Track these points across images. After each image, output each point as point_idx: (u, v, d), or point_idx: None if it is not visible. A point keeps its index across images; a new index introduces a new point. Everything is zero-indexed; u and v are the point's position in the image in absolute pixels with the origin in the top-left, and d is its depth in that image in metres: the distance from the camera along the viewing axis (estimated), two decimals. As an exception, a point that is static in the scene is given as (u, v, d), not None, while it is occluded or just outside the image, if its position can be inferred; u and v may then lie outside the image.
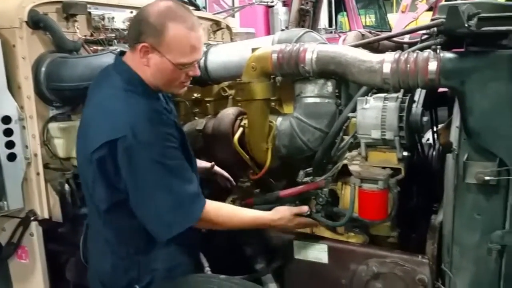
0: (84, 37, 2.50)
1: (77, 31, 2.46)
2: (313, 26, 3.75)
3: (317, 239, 2.08)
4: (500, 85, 1.51)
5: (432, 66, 1.59)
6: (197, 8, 3.42)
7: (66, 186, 2.23)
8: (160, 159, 1.56)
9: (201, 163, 2.23)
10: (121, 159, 1.54)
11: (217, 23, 3.41)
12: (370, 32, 2.55)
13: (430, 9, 6.49)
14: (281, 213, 1.90)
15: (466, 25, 1.45)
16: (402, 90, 1.82)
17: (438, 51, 1.60)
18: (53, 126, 2.30)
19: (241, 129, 2.18)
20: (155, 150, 1.56)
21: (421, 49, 1.74)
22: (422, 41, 1.96)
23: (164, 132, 1.60)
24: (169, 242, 1.69)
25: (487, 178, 1.59)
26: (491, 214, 1.66)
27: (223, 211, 1.78)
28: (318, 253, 2.06)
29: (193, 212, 1.63)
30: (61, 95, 2.27)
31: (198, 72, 1.74)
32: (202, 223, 1.69)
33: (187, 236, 1.69)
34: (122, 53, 1.77)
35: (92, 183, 1.64)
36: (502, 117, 1.54)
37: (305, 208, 1.98)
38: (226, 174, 2.34)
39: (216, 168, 2.31)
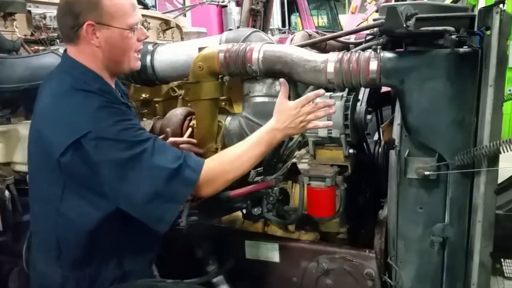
0: (24, 37, 2.41)
1: (16, 30, 2.38)
2: (265, 26, 3.77)
3: (269, 238, 2.10)
4: (437, 83, 1.57)
5: (373, 65, 1.63)
6: (146, 7, 3.38)
7: (6, 193, 2.13)
8: (135, 139, 1.47)
9: None
10: (95, 155, 1.43)
11: (166, 22, 3.38)
12: (317, 32, 2.59)
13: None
14: (284, 114, 1.65)
15: (404, 25, 1.50)
16: (346, 89, 1.86)
17: (378, 51, 1.64)
18: (-9, 130, 2.20)
19: (189, 129, 2.16)
20: (127, 134, 1.47)
21: (364, 49, 1.78)
22: (366, 41, 2.00)
23: (128, 120, 1.52)
24: (120, 250, 1.62)
25: (427, 173, 1.65)
26: (432, 207, 1.72)
27: (220, 161, 1.61)
28: (270, 252, 2.07)
29: (189, 178, 1.52)
30: (-1, 97, 2.18)
31: (146, 33, 1.66)
32: (210, 185, 1.57)
33: (140, 242, 1.64)
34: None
35: (59, 192, 1.51)
36: (439, 114, 1.59)
37: (321, 92, 1.66)
38: (183, 139, 2.09)
39: (171, 139, 2.06)
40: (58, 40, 2.46)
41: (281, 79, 1.69)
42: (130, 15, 1.56)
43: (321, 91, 1.67)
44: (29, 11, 2.50)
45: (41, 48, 2.41)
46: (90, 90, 1.52)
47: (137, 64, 1.66)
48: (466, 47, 1.60)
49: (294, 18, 11.18)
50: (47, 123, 1.52)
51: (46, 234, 1.63)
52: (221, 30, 9.04)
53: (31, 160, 1.63)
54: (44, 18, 2.52)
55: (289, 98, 2.08)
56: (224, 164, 1.62)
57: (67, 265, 1.60)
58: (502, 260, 2.51)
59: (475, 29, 1.59)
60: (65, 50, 1.63)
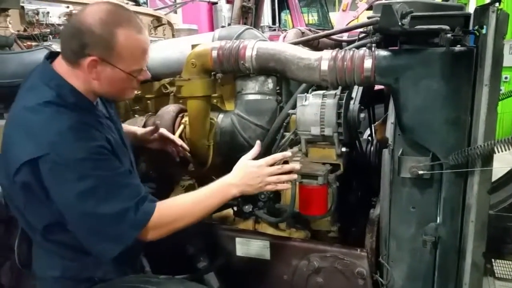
0: (17, 32, 2.40)
1: (9, 26, 2.36)
2: (256, 23, 3.76)
3: (259, 235, 2.09)
4: (432, 82, 1.56)
5: (368, 63, 1.62)
6: (137, 3, 3.35)
7: (-1, 187, 2.11)
8: (90, 173, 1.39)
9: (141, 129, 2.07)
10: (47, 180, 1.38)
11: (158, 19, 3.36)
12: (309, 30, 2.58)
13: (370, 8, 6.65)
14: (244, 170, 1.59)
15: (399, 23, 1.49)
16: (340, 87, 1.85)
17: (373, 49, 1.63)
18: (-16, 125, 2.17)
19: (182, 126, 2.15)
20: (84, 165, 1.39)
21: (358, 47, 1.77)
22: (359, 39, 2.00)
23: (94, 146, 1.42)
24: None
25: (420, 172, 1.64)
26: (425, 207, 1.72)
27: (178, 209, 1.55)
28: (261, 250, 2.06)
29: (138, 221, 1.45)
30: (-8, 93, 2.13)
31: (148, 75, 1.61)
32: (157, 230, 1.50)
33: None
34: (51, 55, 1.58)
35: (22, 207, 1.48)
36: (434, 113, 1.59)
37: (287, 154, 1.70)
38: (175, 138, 2.06)
39: (163, 130, 2.04)
40: (50, 36, 2.44)
41: (257, 142, 1.72)
42: (138, 61, 1.51)
43: (288, 153, 1.71)
44: (22, 7, 2.49)
45: (34, 44, 2.40)
46: (64, 105, 1.44)
47: (132, 96, 1.65)
48: (460, 46, 1.60)
49: (284, 16, 11.16)
50: (11, 137, 1.46)
51: (36, 239, 1.60)
52: (211, 27, 9.02)
53: (1, 175, 1.54)
54: (37, 14, 2.52)
55: (281, 96, 2.09)
56: (176, 212, 1.54)
57: (67, 257, 1.58)
58: (493, 260, 2.52)
59: (470, 28, 1.59)
60: (48, 56, 1.57)
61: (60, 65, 1.51)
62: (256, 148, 1.69)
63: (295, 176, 1.69)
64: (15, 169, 1.39)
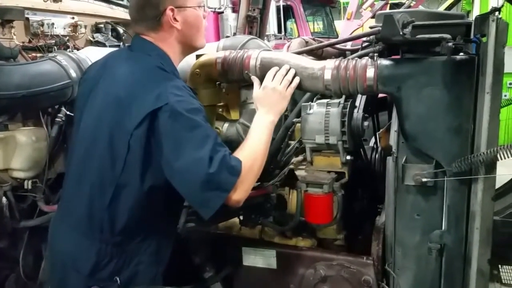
0: (21, 44, 2.41)
1: (14, 37, 2.37)
2: (261, 32, 3.77)
3: (266, 244, 2.09)
4: (434, 90, 1.57)
5: (370, 73, 1.64)
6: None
7: (4, 199, 2.13)
8: (202, 124, 1.52)
9: None
10: (163, 126, 1.48)
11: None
12: (313, 39, 2.60)
13: (374, 16, 6.67)
14: (263, 98, 1.76)
15: (401, 33, 1.51)
16: (344, 96, 1.86)
17: (375, 58, 1.64)
18: (-12, 137, 2.19)
19: (187, 136, 2.16)
20: (198, 115, 1.52)
21: (361, 56, 1.78)
22: (362, 48, 2.01)
23: (201, 105, 1.59)
24: (155, 238, 1.67)
25: (424, 179, 1.65)
26: (429, 214, 1.72)
27: (247, 153, 1.63)
28: (267, 259, 2.07)
29: (235, 167, 1.53)
30: (-3, 104, 2.16)
31: (208, 10, 1.79)
32: (247, 177, 1.56)
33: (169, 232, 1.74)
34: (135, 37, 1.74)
35: (125, 160, 1.54)
36: (436, 121, 1.60)
37: (277, 67, 1.81)
38: None
39: None
40: (55, 47, 2.46)
41: (252, 76, 1.84)
42: None
43: (277, 67, 1.80)
44: (27, 18, 2.50)
45: (38, 55, 2.41)
46: (168, 71, 1.63)
47: (205, 42, 1.79)
48: (462, 54, 1.61)
49: (290, 24, 11.18)
50: (129, 93, 1.56)
51: (89, 209, 1.61)
52: (218, 36, 9.04)
53: (91, 134, 1.63)
54: (42, 25, 2.53)
55: (286, 105, 2.10)
56: (248, 155, 1.61)
57: (109, 240, 1.60)
58: (499, 266, 2.51)
59: (472, 36, 1.60)
60: (136, 35, 1.72)
61: (149, 38, 1.68)
62: (256, 81, 1.82)
63: (293, 70, 1.79)
64: (138, 122, 1.49)
